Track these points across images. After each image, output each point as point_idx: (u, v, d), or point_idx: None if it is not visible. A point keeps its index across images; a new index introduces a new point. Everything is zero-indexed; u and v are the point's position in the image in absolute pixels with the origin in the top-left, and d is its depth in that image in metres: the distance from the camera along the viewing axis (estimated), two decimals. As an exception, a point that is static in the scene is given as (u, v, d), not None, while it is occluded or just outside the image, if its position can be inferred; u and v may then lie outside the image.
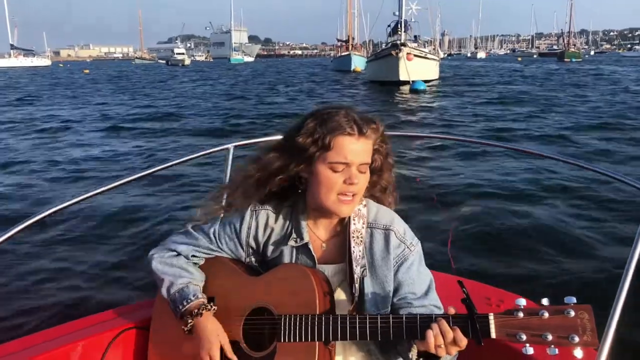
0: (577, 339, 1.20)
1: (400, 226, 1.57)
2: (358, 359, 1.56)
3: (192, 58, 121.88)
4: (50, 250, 5.05)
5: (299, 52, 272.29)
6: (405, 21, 32.84)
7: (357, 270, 1.50)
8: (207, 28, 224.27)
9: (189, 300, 1.56)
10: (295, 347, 1.45)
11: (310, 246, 1.55)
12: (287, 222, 1.58)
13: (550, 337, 1.21)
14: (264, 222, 1.59)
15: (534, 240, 5.28)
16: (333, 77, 43.68)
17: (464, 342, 1.28)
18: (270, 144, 1.58)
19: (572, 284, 4.26)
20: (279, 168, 1.52)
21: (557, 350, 1.23)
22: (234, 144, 2.35)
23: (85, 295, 4.13)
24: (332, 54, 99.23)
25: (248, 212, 1.59)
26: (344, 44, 60.40)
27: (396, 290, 1.53)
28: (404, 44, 29.59)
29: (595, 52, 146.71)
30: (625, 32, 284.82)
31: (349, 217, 1.54)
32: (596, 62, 70.90)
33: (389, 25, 34.96)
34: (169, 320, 1.66)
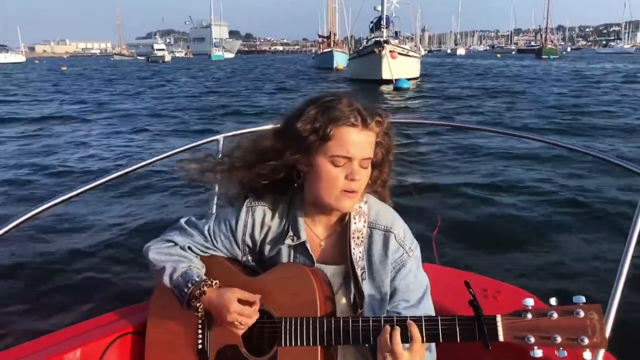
0: (586, 341, 1.17)
1: (400, 228, 1.51)
2: None
3: (172, 54, 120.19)
4: (36, 252, 4.91)
5: (280, 48, 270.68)
6: (387, 17, 32.48)
7: (358, 273, 1.45)
8: (187, 23, 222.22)
9: (194, 282, 1.49)
10: (297, 351, 1.40)
11: (308, 245, 1.49)
12: (284, 219, 1.52)
13: (559, 339, 1.18)
14: (260, 219, 1.53)
15: (518, 231, 5.35)
16: (315, 74, 43.29)
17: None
18: (268, 130, 1.53)
19: (564, 274, 4.32)
20: (273, 152, 1.44)
21: (565, 353, 1.20)
22: (224, 134, 2.28)
23: (79, 299, 4.02)
24: (313, 50, 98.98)
25: (244, 209, 1.53)
26: (325, 40, 60.13)
27: (391, 296, 1.47)
28: (387, 41, 29.07)
29: (571, 49, 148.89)
30: (601, 28, 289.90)
31: (349, 215, 1.48)
32: (570, 59, 71.99)
33: (372, 22, 34.62)
34: (166, 323, 1.62)
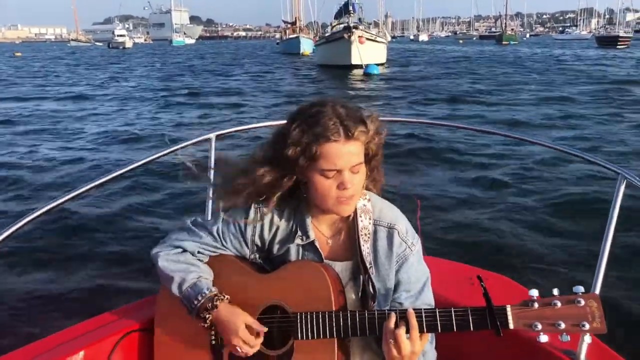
0: (587, 326, 1.28)
1: (403, 224, 1.58)
2: (377, 353, 1.61)
3: (132, 40, 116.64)
4: (34, 256, 4.79)
5: (243, 33, 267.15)
6: (353, 3, 32.44)
7: (368, 268, 1.52)
8: (146, 8, 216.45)
9: (203, 294, 1.52)
10: (314, 344, 1.46)
11: (317, 243, 1.55)
12: (292, 220, 1.57)
13: (563, 326, 1.29)
14: (269, 220, 1.57)
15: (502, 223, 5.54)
16: (283, 60, 42.87)
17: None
18: (258, 157, 1.51)
19: (544, 261, 4.53)
20: (271, 184, 1.48)
21: (568, 337, 1.31)
22: (216, 133, 2.30)
23: (83, 297, 3.99)
24: (277, 36, 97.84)
25: (252, 210, 1.56)
26: (290, 25, 59.52)
27: (394, 288, 1.56)
28: (355, 27, 29.05)
29: (530, 35, 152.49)
30: (557, 15, 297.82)
31: (355, 213, 1.55)
32: (529, 44, 73.88)
33: (340, 7, 34.29)
34: (174, 320, 1.63)
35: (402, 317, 1.39)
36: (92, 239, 5.13)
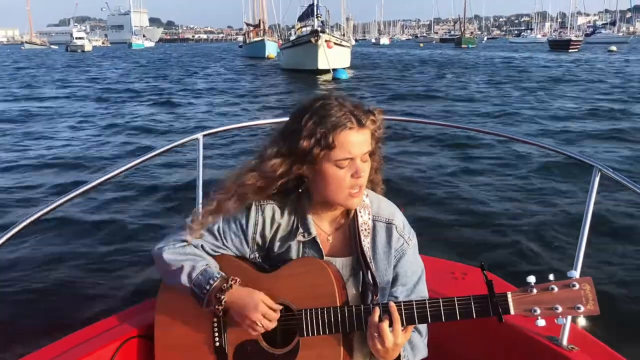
0: (582, 308, 1.36)
1: (400, 220, 1.64)
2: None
3: (91, 43, 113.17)
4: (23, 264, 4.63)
5: (204, 36, 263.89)
6: (317, 6, 32.45)
7: (369, 262, 1.56)
8: (103, 9, 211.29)
9: (215, 279, 1.53)
10: (318, 340, 1.49)
11: (318, 240, 1.58)
12: (293, 217, 1.59)
13: (560, 309, 1.37)
14: (270, 216, 1.59)
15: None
16: (249, 64, 42.49)
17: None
18: (269, 150, 1.52)
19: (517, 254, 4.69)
20: (282, 173, 1.50)
21: (564, 320, 1.39)
22: (203, 133, 2.31)
23: (76, 306, 3.88)
24: (239, 39, 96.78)
25: (253, 208, 1.58)
26: (253, 28, 59.03)
27: (392, 282, 1.61)
28: (323, 31, 29.14)
29: (487, 38, 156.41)
30: (513, 19, 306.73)
31: (355, 209, 1.59)
32: (488, 48, 75.99)
33: (308, 9, 34.14)
34: (175, 324, 1.63)
35: (385, 310, 1.44)
36: (83, 244, 5.02)
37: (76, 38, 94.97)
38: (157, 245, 1.63)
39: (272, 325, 1.51)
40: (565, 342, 1.73)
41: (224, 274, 1.56)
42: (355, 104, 1.51)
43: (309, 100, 1.53)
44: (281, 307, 1.52)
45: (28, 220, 1.78)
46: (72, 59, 55.44)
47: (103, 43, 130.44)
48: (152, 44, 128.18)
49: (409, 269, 1.61)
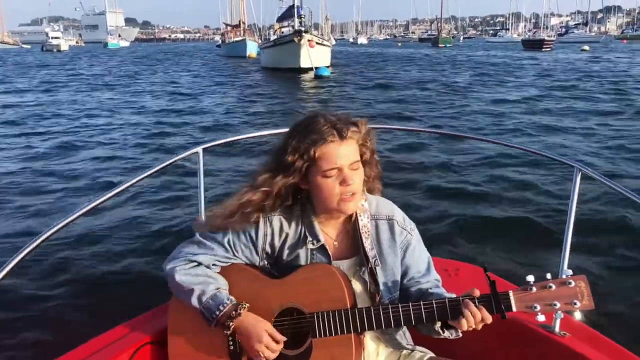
0: (578, 304, 1.47)
1: (399, 214, 1.74)
2: (386, 341, 1.74)
3: (67, 42, 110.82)
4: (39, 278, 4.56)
5: (181, 35, 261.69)
6: (298, 6, 32.72)
7: (371, 262, 1.66)
8: (77, 9, 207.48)
9: (225, 305, 1.60)
10: (331, 341, 1.57)
11: (327, 245, 1.66)
12: (300, 226, 1.68)
13: (558, 305, 1.47)
14: (278, 227, 1.67)
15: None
16: (231, 63, 42.26)
17: (489, 319, 1.49)
18: (260, 169, 1.64)
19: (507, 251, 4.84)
20: (275, 187, 1.60)
21: (562, 315, 1.50)
22: (203, 146, 2.37)
23: (87, 314, 3.87)
24: (216, 38, 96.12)
25: (261, 220, 1.65)
26: (232, 28, 58.72)
27: (405, 273, 1.71)
28: (306, 31, 29.79)
29: (464, 38, 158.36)
30: (488, 19, 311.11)
31: (356, 213, 1.68)
32: (465, 47, 77.06)
33: (290, 9, 34.28)
34: (188, 330, 1.67)
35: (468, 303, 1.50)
36: (89, 256, 4.98)
37: (52, 38, 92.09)
38: (169, 264, 1.69)
39: (273, 355, 1.59)
40: (557, 329, 1.86)
41: (233, 299, 1.62)
42: (340, 117, 1.61)
43: (300, 120, 1.64)
44: (285, 338, 1.60)
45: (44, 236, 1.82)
46: (73, 57, 54.24)
47: (77, 43, 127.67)
48: (127, 44, 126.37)
49: (418, 257, 1.73)
